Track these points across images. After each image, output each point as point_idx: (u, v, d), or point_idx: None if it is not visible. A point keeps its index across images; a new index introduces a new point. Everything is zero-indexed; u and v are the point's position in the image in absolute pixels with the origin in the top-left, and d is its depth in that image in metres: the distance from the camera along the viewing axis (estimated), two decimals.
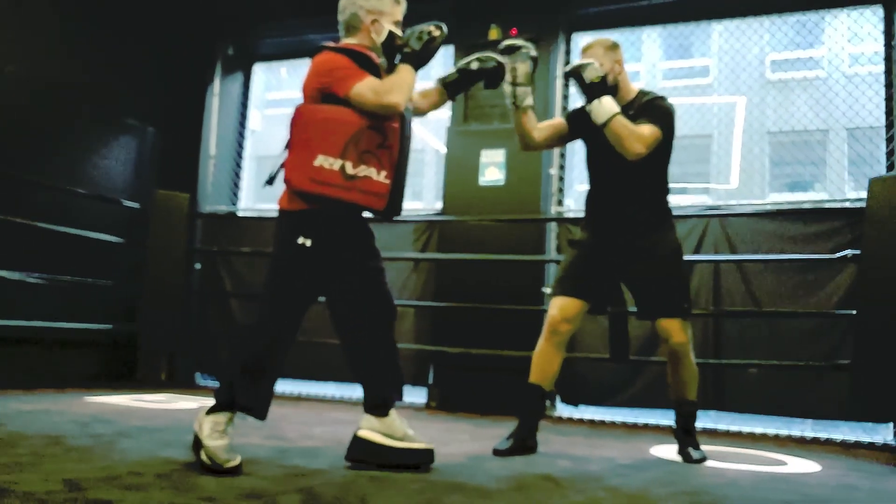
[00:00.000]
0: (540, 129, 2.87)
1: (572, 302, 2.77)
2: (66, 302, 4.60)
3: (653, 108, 2.74)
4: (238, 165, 5.70)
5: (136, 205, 4.95)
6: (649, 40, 13.19)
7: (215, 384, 5.33)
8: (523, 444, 2.75)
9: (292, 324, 2.27)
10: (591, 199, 2.93)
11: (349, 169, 2.14)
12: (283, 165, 2.24)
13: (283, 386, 5.14)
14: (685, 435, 2.85)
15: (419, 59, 2.29)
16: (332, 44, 2.31)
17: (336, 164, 2.13)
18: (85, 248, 4.63)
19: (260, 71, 6.09)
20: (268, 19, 5.42)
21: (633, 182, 2.80)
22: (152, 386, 4.88)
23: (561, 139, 2.98)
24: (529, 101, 2.77)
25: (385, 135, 2.21)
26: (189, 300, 5.19)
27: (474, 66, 2.55)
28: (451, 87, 2.55)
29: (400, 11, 2.38)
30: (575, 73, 2.66)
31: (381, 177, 2.20)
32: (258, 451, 2.45)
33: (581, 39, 4.93)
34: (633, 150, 2.63)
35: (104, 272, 4.81)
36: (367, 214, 2.34)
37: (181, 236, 4.93)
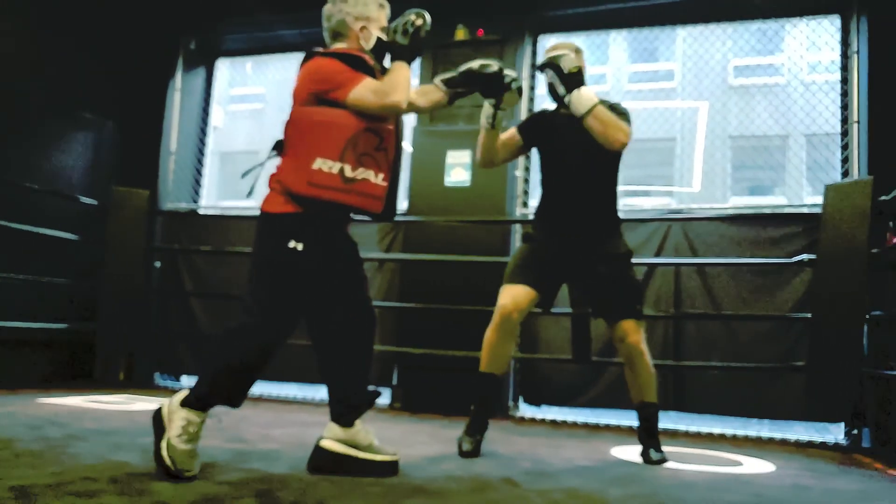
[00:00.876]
0: (500, 144, 2.88)
1: (524, 291, 2.76)
2: (20, 300, 4.48)
3: (617, 110, 2.76)
4: (200, 162, 5.62)
5: (93, 201, 4.83)
6: (616, 43, 13.34)
7: (175, 384, 5.25)
8: (483, 433, 2.76)
9: (287, 329, 2.21)
10: (547, 204, 2.94)
11: (348, 172, 2.11)
12: (261, 167, 2.23)
13: None
14: (648, 437, 2.87)
15: (411, 53, 2.27)
16: (322, 49, 2.28)
17: (335, 167, 2.10)
18: (39, 246, 4.50)
19: (224, 66, 6.01)
20: (232, 14, 5.34)
21: (589, 187, 2.84)
22: (110, 386, 4.77)
23: (516, 153, 2.99)
24: (504, 122, 2.81)
25: (382, 137, 2.19)
26: (149, 299, 5.09)
27: (476, 67, 2.53)
28: (451, 86, 2.50)
29: (385, 16, 2.36)
30: (552, 65, 2.65)
31: (379, 179, 2.18)
32: (217, 454, 2.41)
33: (548, 42, 4.96)
34: (618, 139, 2.63)
35: (59, 270, 4.69)
36: (361, 218, 2.32)
37: (140, 234, 4.82)
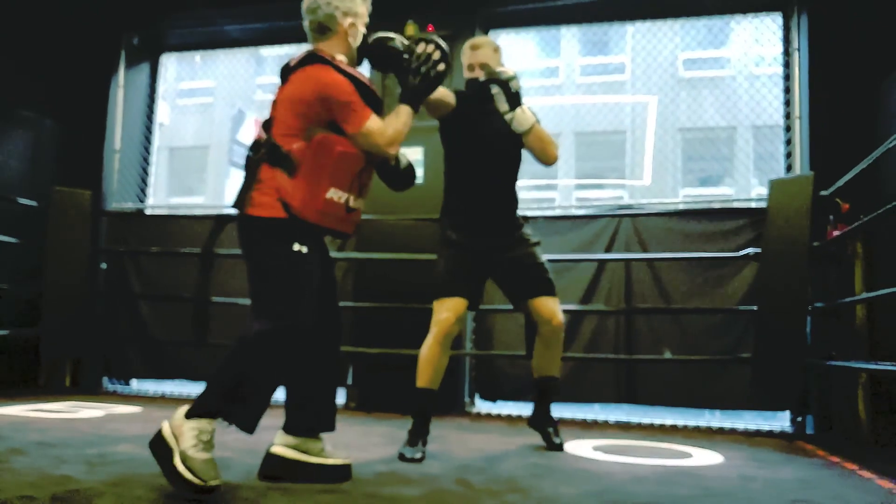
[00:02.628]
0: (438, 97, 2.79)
1: (462, 303, 2.85)
2: None
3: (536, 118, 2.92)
4: (146, 161, 5.47)
5: (32, 202, 4.66)
6: (567, 36, 13.43)
7: (125, 388, 5.12)
8: (426, 441, 2.79)
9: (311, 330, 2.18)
10: (465, 197, 2.97)
11: (351, 202, 2.14)
12: (251, 179, 2.14)
13: (196, 389, 4.98)
14: (549, 411, 3.10)
15: (420, 100, 2.33)
16: (325, 54, 2.18)
17: (343, 197, 2.11)
18: None
19: (172, 60, 5.87)
20: (176, 9, 5.20)
21: (506, 180, 2.99)
22: (55, 393, 4.64)
23: (441, 113, 2.90)
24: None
25: (372, 169, 2.25)
26: (94, 302, 4.95)
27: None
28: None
29: (367, 11, 2.33)
30: (500, 82, 2.75)
31: (362, 207, 2.22)
32: None
33: (498, 37, 4.98)
34: (555, 155, 2.86)
35: None
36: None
37: (83, 236, 4.68)
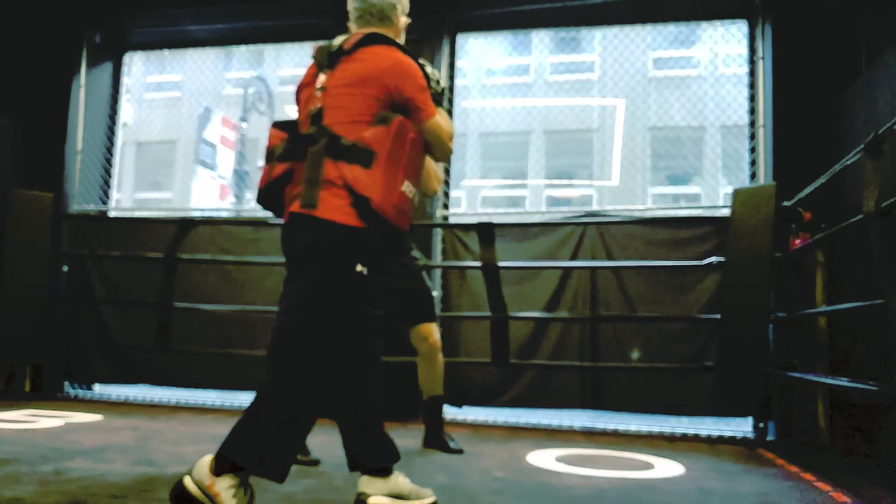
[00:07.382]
0: None
1: None
2: None
3: None
4: (108, 162, 5.36)
5: None
6: (539, 35, 13.45)
7: (87, 393, 5.03)
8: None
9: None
10: None
11: (416, 197, 1.95)
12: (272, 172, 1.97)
13: (160, 393, 4.91)
14: (439, 425, 3.26)
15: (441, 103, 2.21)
16: (385, 34, 2.06)
17: (412, 191, 1.92)
18: None
19: (139, 57, 5.76)
20: (139, 8, 5.10)
21: None
22: (15, 398, 4.54)
23: None
24: None
25: None
26: (56, 306, 4.85)
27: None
28: None
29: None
30: None
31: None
32: (121, 480, 2.31)
33: (466, 41, 4.97)
34: (434, 189, 2.95)
35: None
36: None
37: (44, 239, 4.57)
